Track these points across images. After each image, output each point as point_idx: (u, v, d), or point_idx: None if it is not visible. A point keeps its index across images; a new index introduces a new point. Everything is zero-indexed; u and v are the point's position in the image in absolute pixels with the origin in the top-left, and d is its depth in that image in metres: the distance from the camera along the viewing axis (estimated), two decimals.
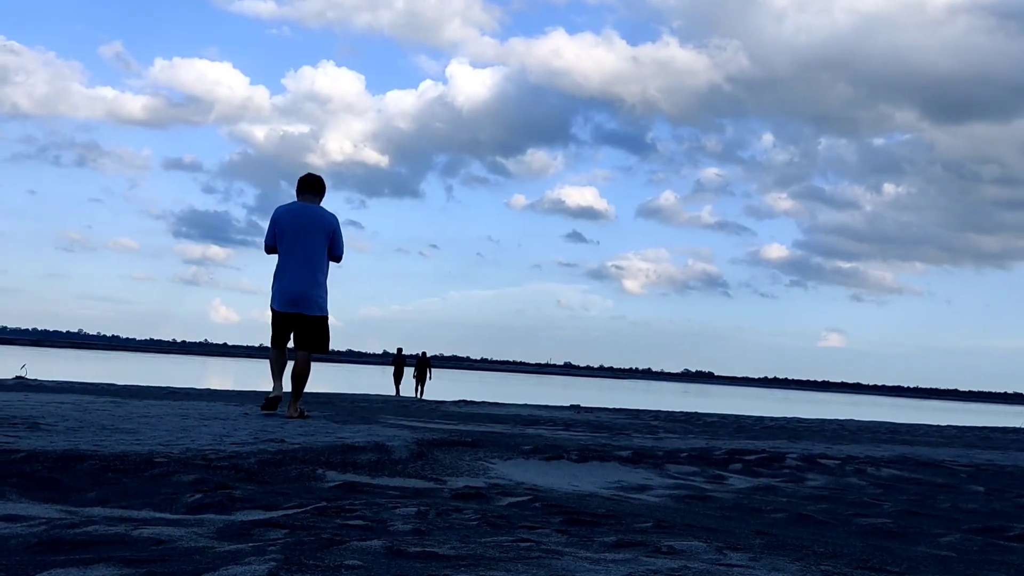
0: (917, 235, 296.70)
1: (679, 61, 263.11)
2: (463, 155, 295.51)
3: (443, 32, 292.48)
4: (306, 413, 7.53)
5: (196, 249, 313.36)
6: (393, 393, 25.88)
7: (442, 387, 33.75)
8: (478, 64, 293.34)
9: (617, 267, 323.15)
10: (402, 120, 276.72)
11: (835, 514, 4.72)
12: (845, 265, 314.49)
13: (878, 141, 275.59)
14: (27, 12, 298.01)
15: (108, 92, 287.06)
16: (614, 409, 18.51)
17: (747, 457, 6.96)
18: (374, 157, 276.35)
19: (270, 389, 7.79)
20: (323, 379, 32.47)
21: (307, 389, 7.91)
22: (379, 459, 5.28)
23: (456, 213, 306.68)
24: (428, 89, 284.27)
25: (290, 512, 3.54)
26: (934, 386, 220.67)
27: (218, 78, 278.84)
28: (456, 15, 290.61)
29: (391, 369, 30.89)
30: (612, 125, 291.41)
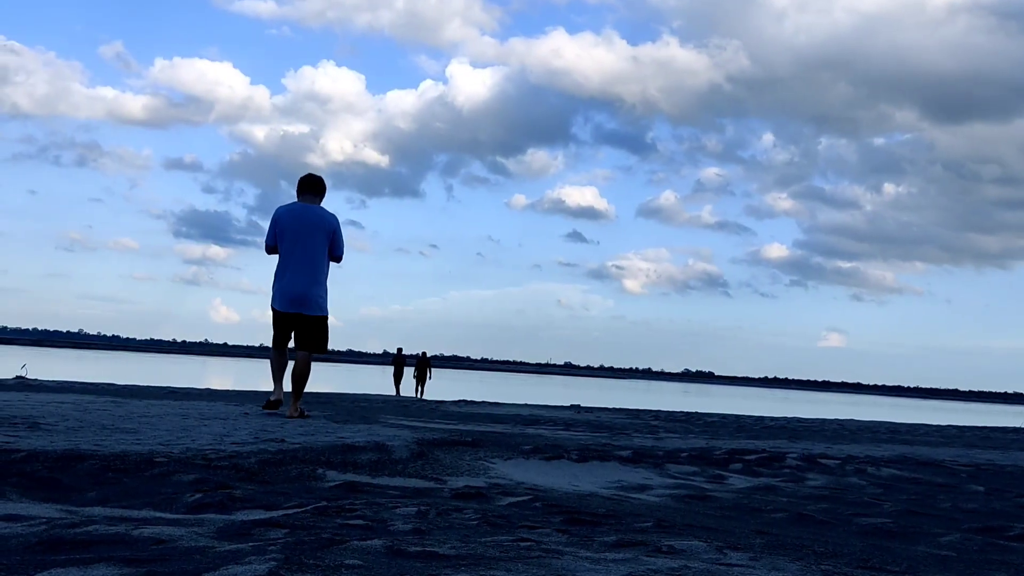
0: (917, 235, 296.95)
1: (679, 61, 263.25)
2: (463, 155, 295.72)
3: (443, 32, 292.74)
4: (306, 413, 7.54)
5: (196, 249, 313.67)
6: (393, 393, 25.88)
7: (442, 387, 33.75)
8: (478, 64, 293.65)
9: (617, 267, 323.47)
10: (402, 120, 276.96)
11: (835, 514, 4.72)
12: (845, 265, 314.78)
13: (878, 141, 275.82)
14: (27, 12, 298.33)
15: (108, 92, 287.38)
16: (614, 409, 18.52)
17: (747, 457, 6.96)
18: (374, 157, 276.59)
19: (271, 390, 7.83)
20: (323, 379, 32.48)
21: (307, 389, 7.93)
22: (379, 459, 5.28)
23: (456, 213, 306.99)
24: (428, 89, 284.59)
25: (290, 512, 3.54)
26: (934, 386, 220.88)
27: (218, 78, 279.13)
28: (456, 15, 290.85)
29: (391, 369, 30.89)
30: (612, 125, 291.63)
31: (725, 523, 4.09)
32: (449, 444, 6.17)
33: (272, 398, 7.63)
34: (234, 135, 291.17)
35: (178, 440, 5.22)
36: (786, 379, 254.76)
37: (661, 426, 12.10)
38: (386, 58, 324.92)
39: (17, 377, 14.90)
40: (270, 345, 7.66)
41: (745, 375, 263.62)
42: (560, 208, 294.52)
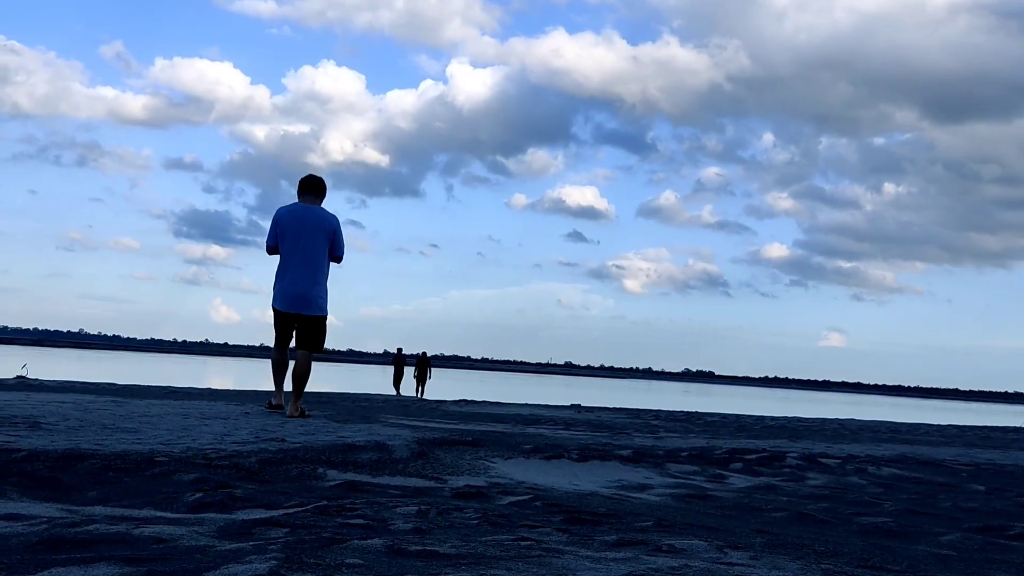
0: (918, 235, 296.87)
1: (679, 61, 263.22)
2: (463, 155, 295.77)
3: (443, 32, 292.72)
4: (307, 412, 7.56)
5: (197, 249, 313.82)
6: (393, 393, 25.88)
7: (443, 386, 33.75)
8: (478, 64, 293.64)
9: (618, 267, 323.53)
10: (402, 120, 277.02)
11: (836, 513, 4.72)
12: (846, 265, 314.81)
13: (879, 140, 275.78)
14: (27, 12, 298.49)
15: (109, 92, 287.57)
16: (615, 408, 18.51)
17: (748, 456, 6.96)
18: (374, 157, 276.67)
19: (271, 390, 7.86)
20: (324, 379, 32.48)
21: (308, 389, 7.95)
22: (380, 458, 5.28)
23: (457, 213, 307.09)
24: (428, 89, 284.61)
25: (291, 511, 3.54)
26: (935, 386, 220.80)
27: (218, 78, 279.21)
28: (456, 15, 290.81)
29: (391, 369, 30.89)
30: (612, 125, 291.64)
31: (725, 522, 4.09)
32: (449, 444, 6.17)
33: (274, 402, 7.71)
34: (234, 135, 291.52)
35: (179, 439, 5.23)
36: (786, 379, 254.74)
37: (661, 426, 12.10)
38: (386, 58, 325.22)
39: (18, 377, 14.90)
40: (271, 345, 7.69)
41: (745, 375, 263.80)
42: (560, 208, 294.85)
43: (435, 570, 2.54)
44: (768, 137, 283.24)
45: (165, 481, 4.19)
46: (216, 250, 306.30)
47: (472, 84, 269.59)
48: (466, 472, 5.27)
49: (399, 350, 31.22)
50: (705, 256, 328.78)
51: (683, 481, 5.80)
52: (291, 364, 7.62)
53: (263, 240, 7.64)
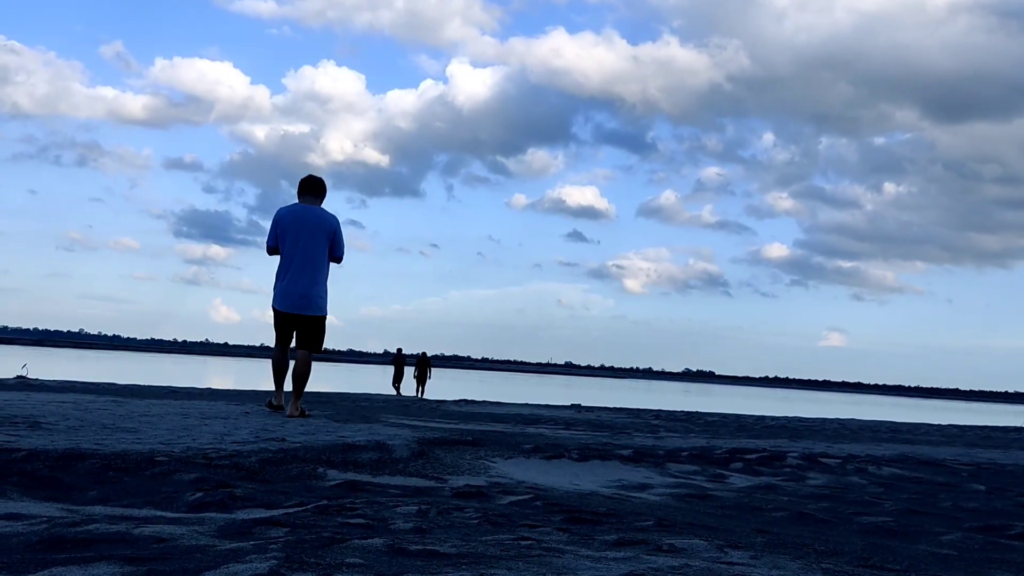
0: (918, 234, 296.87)
1: (679, 60, 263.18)
2: (464, 155, 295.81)
3: (443, 32, 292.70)
4: (307, 412, 7.57)
5: (197, 249, 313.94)
6: (393, 393, 25.89)
7: (443, 386, 33.76)
8: (478, 64, 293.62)
9: (618, 266, 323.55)
10: (402, 120, 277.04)
11: (836, 513, 4.72)
12: (846, 264, 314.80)
13: (879, 140, 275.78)
14: (27, 12, 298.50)
15: (109, 92, 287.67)
16: (615, 408, 18.51)
17: (748, 456, 6.96)
18: (375, 157, 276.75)
19: (272, 390, 7.87)
20: (324, 378, 32.48)
21: (308, 388, 7.95)
22: (380, 458, 5.28)
23: (457, 212, 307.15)
24: (428, 89, 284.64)
25: (291, 511, 3.54)
26: (935, 385, 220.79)
27: (219, 78, 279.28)
28: (456, 15, 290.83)
29: (392, 369, 30.89)
30: (612, 124, 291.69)
31: (726, 522, 4.09)
32: (450, 443, 6.17)
33: (274, 402, 7.73)
34: (234, 135, 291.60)
35: (179, 439, 5.23)
36: (787, 379, 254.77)
37: (662, 425, 12.10)
38: (386, 58, 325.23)
39: (18, 377, 14.90)
40: (271, 345, 7.71)
41: (746, 375, 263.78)
42: (560, 208, 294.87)
43: (435, 569, 2.53)
44: (768, 137, 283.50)
45: (165, 481, 4.19)
46: (216, 250, 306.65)
47: (472, 84, 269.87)
48: (466, 472, 5.27)
49: (399, 350, 31.23)
50: (705, 256, 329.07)
51: (683, 481, 5.80)
52: (291, 364, 7.64)
53: (263, 240, 7.67)
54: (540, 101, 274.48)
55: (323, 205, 7.63)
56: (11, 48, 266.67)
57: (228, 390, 15.88)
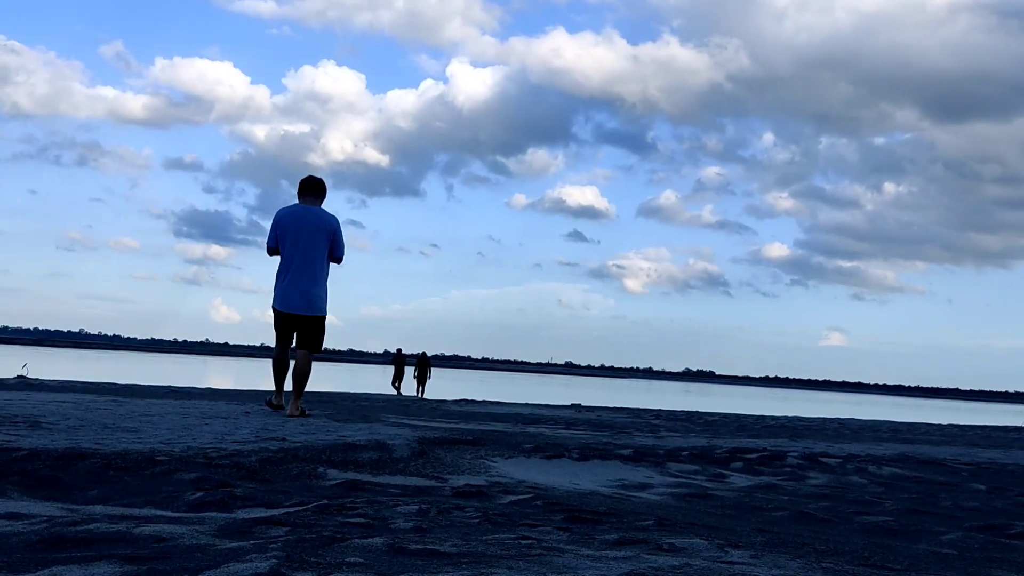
0: (918, 234, 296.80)
1: (680, 60, 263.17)
2: (464, 154, 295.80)
3: (443, 31, 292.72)
4: (307, 412, 7.58)
5: (197, 248, 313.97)
6: (393, 393, 25.89)
7: (443, 386, 33.76)
8: (478, 63, 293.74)
9: (618, 266, 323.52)
10: (403, 119, 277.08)
11: (836, 512, 4.72)
12: (846, 264, 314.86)
13: (879, 140, 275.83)
14: (28, 12, 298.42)
15: (109, 92, 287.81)
16: (615, 408, 18.51)
17: (748, 456, 6.96)
18: (375, 156, 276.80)
19: (272, 390, 7.88)
20: (324, 378, 32.48)
21: (308, 388, 7.96)
22: (380, 457, 5.28)
23: (457, 212, 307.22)
24: (429, 88, 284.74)
25: (291, 510, 3.54)
26: (935, 385, 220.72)
27: (219, 77, 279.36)
28: (456, 14, 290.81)
29: (392, 369, 30.90)
30: (613, 124, 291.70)
31: (726, 521, 4.09)
32: (450, 443, 6.17)
33: (274, 401, 7.74)
34: (235, 135, 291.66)
35: (179, 439, 5.23)
36: (787, 378, 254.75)
37: (662, 425, 12.10)
38: (386, 58, 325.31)
39: (18, 376, 14.91)
40: (271, 345, 7.72)
41: (746, 374, 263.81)
42: (561, 207, 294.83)
43: (436, 569, 2.53)
44: (768, 137, 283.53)
45: (166, 480, 4.19)
46: (216, 250, 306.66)
47: (472, 84, 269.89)
48: (467, 471, 5.27)
49: (399, 350, 31.25)
50: (705, 256, 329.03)
51: (684, 480, 5.80)
52: (292, 364, 7.65)
53: (263, 240, 7.69)
54: (540, 101, 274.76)
55: (323, 205, 7.65)
56: (11, 48, 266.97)
57: (228, 390, 15.88)
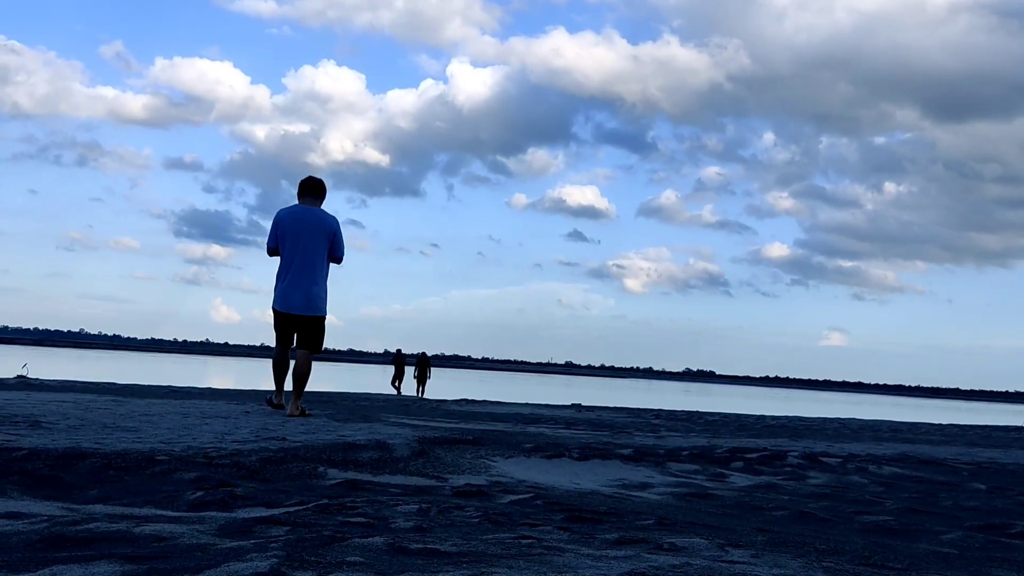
0: (919, 234, 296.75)
1: (680, 60, 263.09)
2: (464, 154, 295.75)
3: (443, 31, 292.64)
4: (307, 411, 7.58)
5: (197, 248, 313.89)
6: (393, 393, 25.90)
7: (443, 386, 33.76)
8: (479, 63, 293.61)
9: (618, 266, 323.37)
10: (403, 119, 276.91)
11: (837, 512, 4.72)
12: (846, 264, 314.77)
13: (879, 140, 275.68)
14: (28, 12, 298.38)
15: (109, 92, 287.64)
16: (615, 408, 18.51)
17: (748, 455, 6.96)
18: (375, 156, 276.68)
19: (273, 391, 7.89)
20: (324, 378, 32.48)
21: (308, 388, 7.96)
22: (380, 457, 5.28)
23: (457, 212, 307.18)
24: (429, 88, 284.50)
25: (292, 509, 3.54)
26: (936, 385, 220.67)
27: (219, 77, 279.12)
28: (456, 14, 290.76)
29: (392, 369, 30.91)
30: (613, 124, 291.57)
31: (727, 521, 4.09)
32: (450, 442, 6.17)
33: (275, 401, 7.76)
34: (235, 134, 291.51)
35: (179, 438, 5.23)
36: (787, 378, 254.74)
37: (662, 425, 12.10)
38: (386, 57, 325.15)
39: (18, 376, 14.91)
40: (272, 345, 7.74)
41: (746, 374, 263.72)
42: (561, 207, 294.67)
43: (436, 568, 2.53)
44: (769, 136, 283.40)
45: (166, 480, 4.19)
46: (216, 250, 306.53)
47: (472, 84, 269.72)
48: (467, 471, 5.26)
49: (399, 350, 31.30)
50: (706, 255, 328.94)
51: (684, 480, 5.80)
52: (292, 364, 7.66)
53: (263, 240, 7.71)
54: (540, 101, 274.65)
55: (323, 206, 7.66)
56: (11, 48, 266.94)
57: (228, 390, 15.89)
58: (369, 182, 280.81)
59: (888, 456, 7.77)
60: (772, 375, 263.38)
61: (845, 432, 13.08)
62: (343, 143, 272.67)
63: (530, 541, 3.01)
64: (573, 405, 18.40)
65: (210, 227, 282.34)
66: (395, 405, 13.14)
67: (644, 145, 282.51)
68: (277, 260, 7.55)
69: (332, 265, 7.65)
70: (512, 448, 6.26)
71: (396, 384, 29.92)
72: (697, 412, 18.77)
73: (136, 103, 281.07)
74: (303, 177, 7.71)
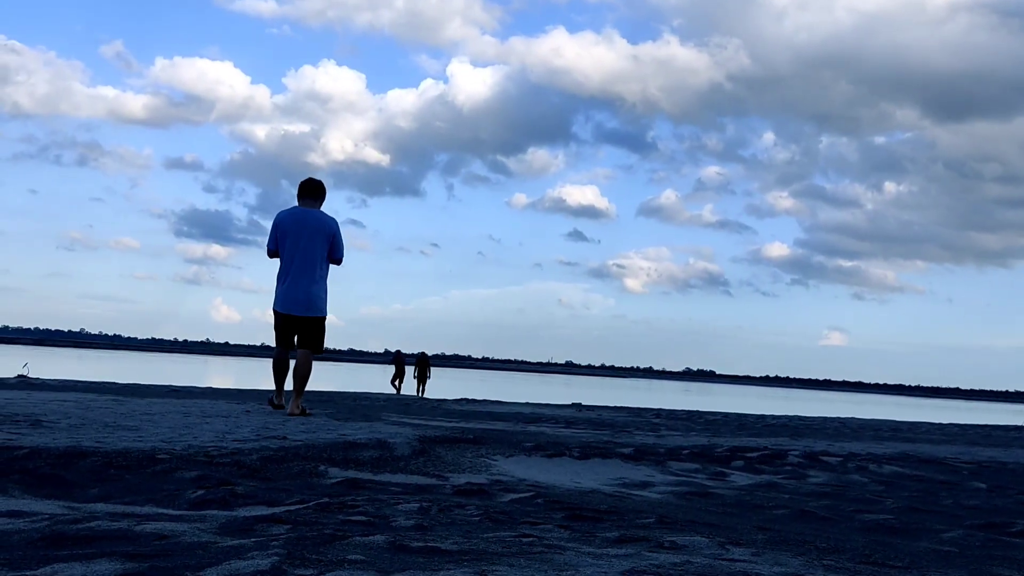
0: (918, 233, 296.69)
1: (680, 60, 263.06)
2: (464, 154, 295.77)
3: (444, 31, 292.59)
4: (308, 411, 7.59)
5: (197, 248, 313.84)
6: (393, 392, 25.90)
7: (443, 386, 33.77)
8: (479, 63, 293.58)
9: (618, 266, 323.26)
10: (403, 119, 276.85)
11: (837, 510, 4.72)
12: (846, 264, 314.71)
13: (879, 139, 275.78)
14: (28, 12, 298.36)
15: (109, 91, 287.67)
16: (616, 407, 18.52)
17: (749, 454, 6.96)
18: (375, 156, 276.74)
19: (273, 392, 7.90)
20: (325, 377, 32.49)
21: (309, 387, 7.97)
22: (381, 456, 5.28)
23: (457, 212, 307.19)
24: (429, 88, 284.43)
25: (292, 508, 3.54)
26: (936, 385, 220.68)
27: (219, 77, 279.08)
28: (456, 14, 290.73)
29: (392, 368, 30.93)
30: (613, 124, 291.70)
31: (727, 519, 4.09)
32: (451, 441, 6.17)
33: (275, 401, 7.77)
34: (235, 134, 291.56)
35: (180, 437, 5.23)
36: (787, 378, 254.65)
37: (663, 424, 12.10)
38: (387, 57, 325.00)
39: (19, 376, 14.92)
40: (272, 344, 7.75)
41: (746, 374, 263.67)
42: (561, 207, 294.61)
43: (437, 566, 2.53)
44: (769, 136, 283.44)
45: (167, 478, 4.19)
46: (217, 249, 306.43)
47: (472, 83, 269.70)
48: (467, 469, 5.27)
49: (398, 351, 31.34)
50: (706, 255, 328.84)
51: (684, 479, 5.80)
52: (292, 364, 7.67)
53: (264, 240, 7.74)
54: (540, 100, 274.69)
55: (323, 206, 7.68)
56: (11, 48, 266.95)
57: (229, 389, 15.89)
58: (369, 182, 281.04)
59: (888, 455, 7.77)
60: (772, 375, 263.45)
61: (845, 431, 13.08)
62: (343, 143, 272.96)
63: (531, 539, 3.02)
64: (573, 404, 18.40)
65: (210, 227, 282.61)
66: (395, 404, 13.14)
67: (644, 145, 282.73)
68: (277, 261, 7.57)
69: (332, 265, 7.67)
70: (513, 447, 6.26)
71: (396, 384, 29.94)
72: (697, 411, 18.77)
73: (136, 103, 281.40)
74: (303, 178, 7.73)
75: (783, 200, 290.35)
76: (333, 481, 4.49)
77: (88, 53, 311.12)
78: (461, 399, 18.15)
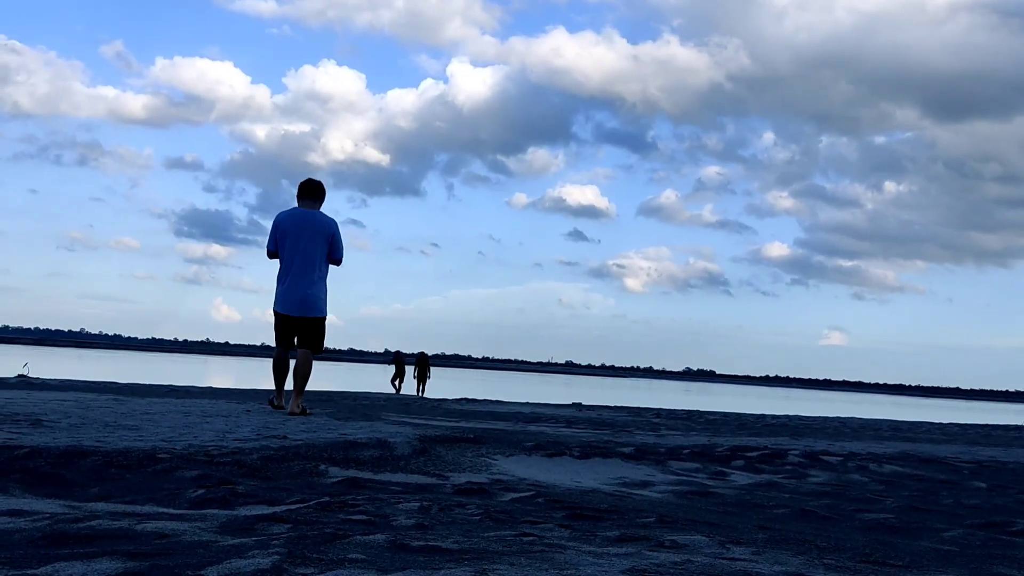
0: (919, 233, 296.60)
1: (680, 60, 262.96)
2: (464, 154, 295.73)
3: (444, 31, 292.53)
4: (308, 410, 7.59)
5: (198, 248, 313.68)
6: (393, 392, 25.91)
7: (443, 385, 33.77)
8: (479, 63, 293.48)
9: (618, 266, 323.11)
10: (403, 119, 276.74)
11: (837, 510, 4.72)
12: (846, 263, 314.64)
13: (879, 139, 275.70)
14: (28, 12, 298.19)
15: (109, 91, 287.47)
16: (616, 407, 18.52)
17: (749, 454, 6.96)
18: (375, 156, 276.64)
19: (273, 391, 7.91)
20: (325, 377, 32.49)
21: (309, 387, 7.98)
22: (381, 455, 5.29)
23: (457, 212, 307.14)
24: (429, 88, 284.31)
25: (293, 507, 3.54)
26: (936, 384, 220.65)
27: (219, 77, 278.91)
28: (457, 14, 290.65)
29: (392, 368, 30.94)
30: (613, 124, 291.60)
31: (727, 519, 4.09)
32: (451, 441, 6.17)
33: (275, 402, 7.78)
34: (235, 134, 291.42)
35: (180, 437, 5.23)
36: (787, 378, 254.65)
37: (663, 424, 12.10)
38: (387, 57, 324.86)
39: (19, 376, 14.92)
40: (272, 344, 7.76)
41: (746, 374, 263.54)
42: (561, 207, 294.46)
43: (437, 565, 2.54)
44: (769, 136, 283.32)
45: (167, 478, 4.19)
46: (217, 249, 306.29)
47: (472, 83, 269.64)
48: (468, 469, 5.27)
49: (398, 351, 31.38)
50: (706, 255, 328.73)
51: (685, 478, 5.80)
52: (292, 364, 7.68)
53: (264, 239, 7.76)
54: (540, 100, 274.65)
55: (322, 207, 7.69)
56: (11, 48, 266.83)
57: (229, 389, 15.89)
58: (369, 182, 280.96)
59: (889, 454, 7.78)
60: (772, 374, 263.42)
61: (845, 431, 13.08)
62: (343, 143, 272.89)
63: (531, 539, 3.02)
64: (574, 404, 18.41)
65: (210, 227, 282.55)
66: (395, 404, 13.14)
67: (644, 145, 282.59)
68: (277, 261, 7.58)
69: (332, 266, 7.68)
70: (513, 446, 6.26)
71: (396, 383, 29.95)
72: (697, 411, 18.77)
73: (136, 103, 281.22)
74: (303, 178, 7.75)
75: (783, 200, 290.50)
76: (333, 480, 4.49)
77: (88, 53, 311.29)
78: (461, 399, 18.15)
